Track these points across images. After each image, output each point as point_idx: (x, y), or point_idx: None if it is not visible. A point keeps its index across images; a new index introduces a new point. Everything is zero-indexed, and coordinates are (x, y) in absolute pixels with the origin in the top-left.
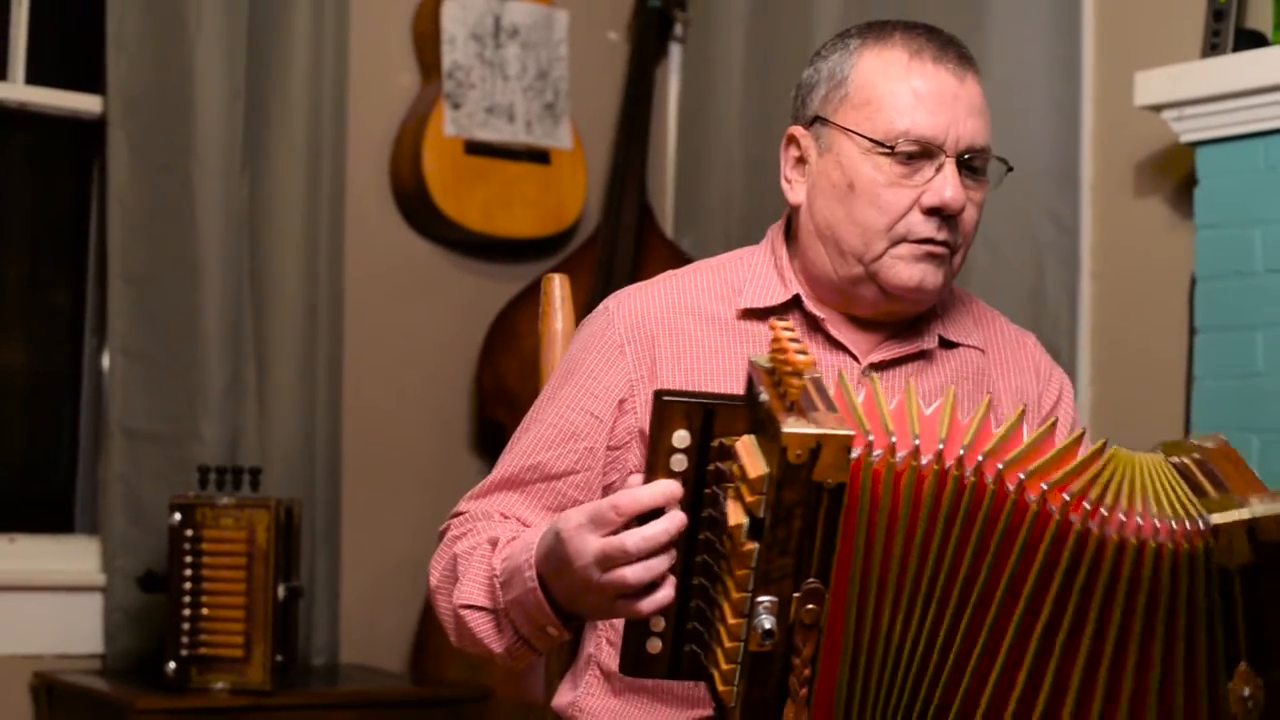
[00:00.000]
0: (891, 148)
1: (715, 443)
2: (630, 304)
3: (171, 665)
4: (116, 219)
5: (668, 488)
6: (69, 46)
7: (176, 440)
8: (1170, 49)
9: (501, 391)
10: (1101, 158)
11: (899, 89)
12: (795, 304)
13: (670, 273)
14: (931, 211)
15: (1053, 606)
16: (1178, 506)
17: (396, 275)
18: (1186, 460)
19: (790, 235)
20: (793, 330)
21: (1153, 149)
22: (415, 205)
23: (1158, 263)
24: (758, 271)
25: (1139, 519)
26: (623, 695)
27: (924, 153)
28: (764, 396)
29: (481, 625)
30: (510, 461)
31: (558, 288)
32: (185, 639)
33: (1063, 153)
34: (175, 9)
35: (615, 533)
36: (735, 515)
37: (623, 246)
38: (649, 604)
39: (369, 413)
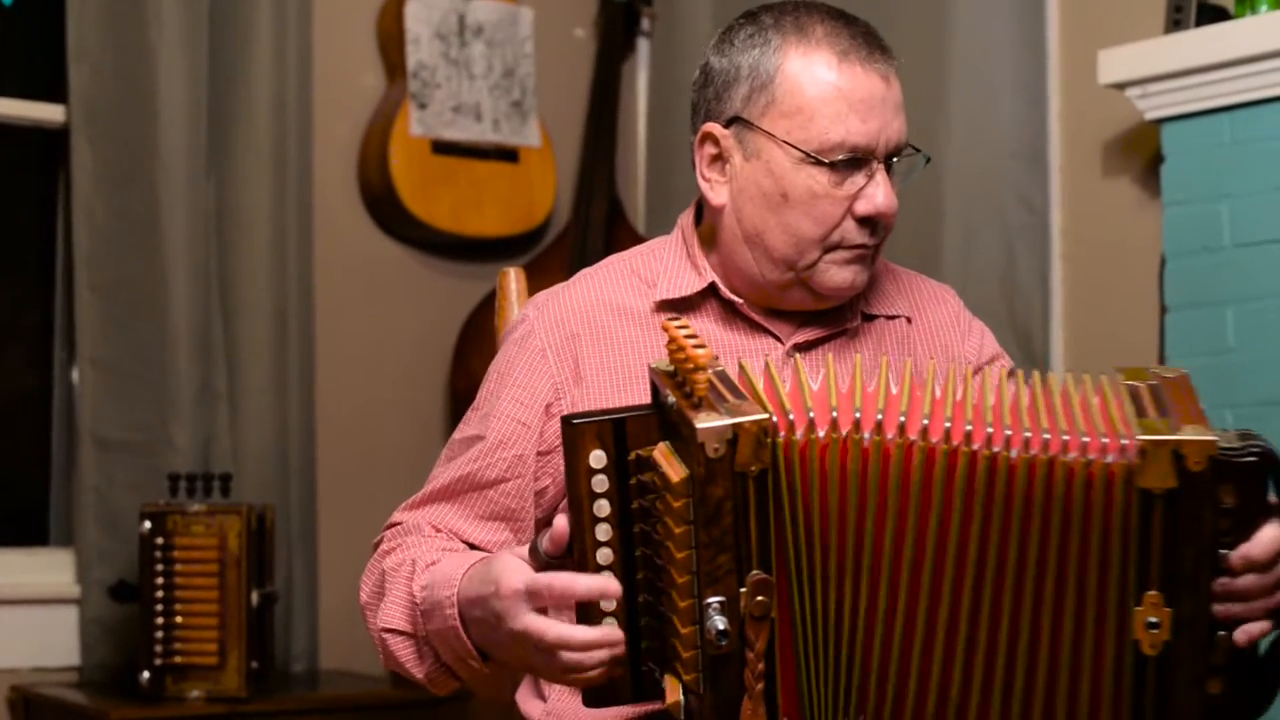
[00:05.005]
0: (828, 161)
1: (632, 456)
2: (549, 308)
3: (146, 675)
4: (82, 228)
5: (605, 584)
6: (29, 56)
7: (148, 449)
8: (1133, 26)
9: (475, 391)
10: (1069, 138)
11: (830, 96)
12: (711, 292)
13: (585, 271)
14: (864, 220)
15: (977, 547)
16: (1111, 422)
17: (366, 278)
18: (1140, 384)
19: (700, 222)
20: (687, 326)
21: (1119, 128)
22: (384, 207)
23: (1127, 242)
24: (670, 262)
25: (1063, 436)
26: None
27: (856, 160)
28: (670, 399)
29: (403, 650)
30: (442, 474)
31: (513, 282)
32: (159, 648)
33: (1031, 135)
34: (135, 16)
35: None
36: (668, 524)
37: (593, 243)
38: (565, 681)
39: (342, 416)
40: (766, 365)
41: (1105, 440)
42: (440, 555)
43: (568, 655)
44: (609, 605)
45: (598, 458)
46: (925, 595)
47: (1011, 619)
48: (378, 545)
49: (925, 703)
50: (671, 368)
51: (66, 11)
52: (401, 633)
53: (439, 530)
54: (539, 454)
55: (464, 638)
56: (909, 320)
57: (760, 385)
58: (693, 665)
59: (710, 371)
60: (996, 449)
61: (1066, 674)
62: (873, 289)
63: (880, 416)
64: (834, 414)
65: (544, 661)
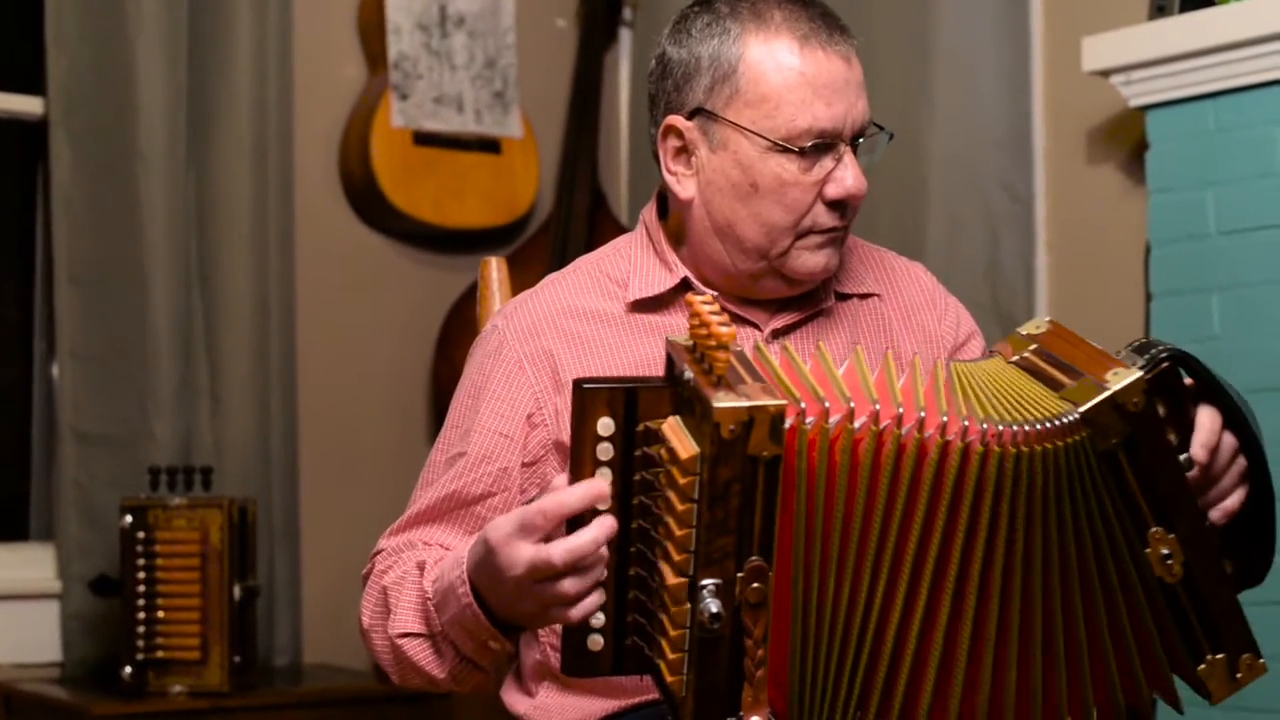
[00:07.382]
0: (796, 149)
1: (640, 427)
2: (519, 317)
3: (128, 670)
4: (61, 220)
5: (593, 488)
6: (8, 47)
7: (129, 442)
8: (1117, 13)
9: (457, 383)
10: (1053, 126)
11: (794, 83)
12: (684, 287)
13: (552, 276)
14: (834, 203)
15: (984, 537)
16: (1045, 407)
17: (348, 269)
18: (1028, 355)
19: (664, 216)
20: (713, 303)
21: (1104, 115)
22: (365, 198)
23: (1112, 230)
24: (639, 261)
25: (1026, 428)
26: (578, 693)
27: (823, 145)
28: (689, 374)
29: (421, 652)
30: (426, 495)
31: (495, 271)
32: (141, 643)
33: (1015, 123)
34: (115, 7)
35: (546, 538)
36: (670, 499)
37: (575, 234)
38: (578, 611)
39: (325, 408)
40: (785, 348)
41: (1057, 422)
42: (444, 554)
43: (577, 582)
44: (604, 506)
45: (605, 425)
46: (949, 590)
47: (1044, 606)
48: (368, 575)
49: (946, 700)
50: (691, 342)
51: (45, 2)
52: (417, 635)
53: (429, 545)
54: (523, 465)
55: (479, 614)
56: (880, 297)
57: (778, 367)
58: (679, 644)
59: (732, 350)
60: (990, 442)
61: (1108, 638)
62: (843, 268)
63: (922, 414)
64: (875, 406)
65: (555, 596)
